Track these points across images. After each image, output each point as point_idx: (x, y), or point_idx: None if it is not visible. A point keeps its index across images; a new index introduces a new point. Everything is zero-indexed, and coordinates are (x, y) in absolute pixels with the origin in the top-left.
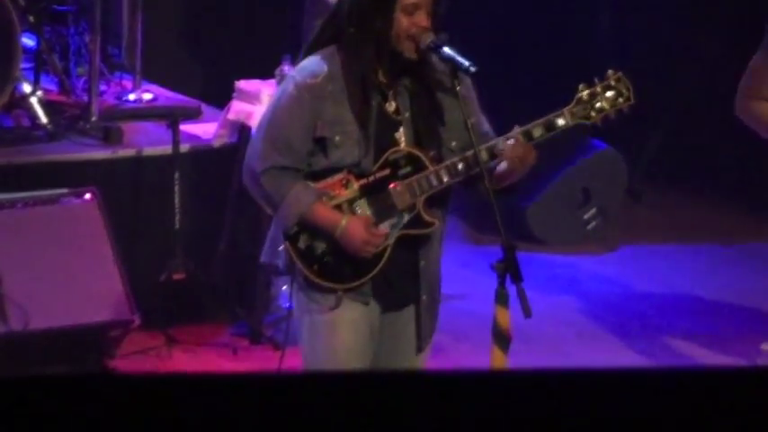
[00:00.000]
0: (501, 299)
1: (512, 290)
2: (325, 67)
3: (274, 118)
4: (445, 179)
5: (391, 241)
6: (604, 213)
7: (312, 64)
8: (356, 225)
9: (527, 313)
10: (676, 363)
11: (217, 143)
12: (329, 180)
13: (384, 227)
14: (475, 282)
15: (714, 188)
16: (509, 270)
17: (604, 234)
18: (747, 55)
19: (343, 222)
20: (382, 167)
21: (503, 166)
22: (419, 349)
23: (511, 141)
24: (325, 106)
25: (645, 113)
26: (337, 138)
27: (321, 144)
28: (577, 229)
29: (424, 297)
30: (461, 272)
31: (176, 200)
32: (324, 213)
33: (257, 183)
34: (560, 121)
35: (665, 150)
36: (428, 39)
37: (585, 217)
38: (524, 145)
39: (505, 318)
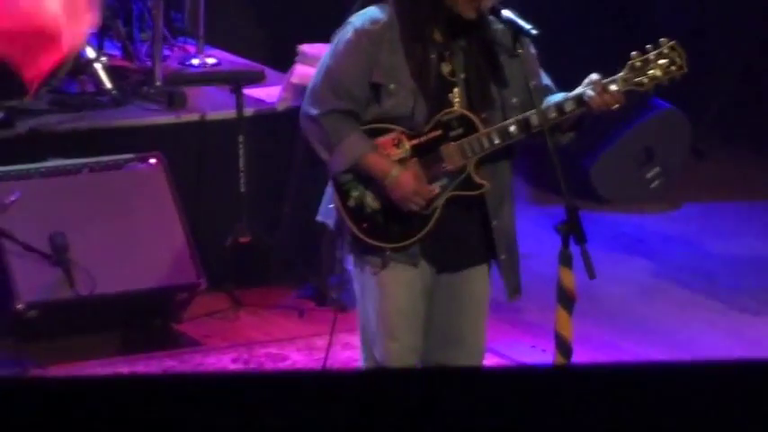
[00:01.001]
0: (565, 260)
1: (576, 251)
2: (385, 16)
3: (333, 62)
4: (496, 141)
5: (441, 202)
6: (667, 172)
7: (371, 11)
8: (407, 175)
9: (591, 275)
10: (742, 320)
11: (281, 107)
12: (381, 139)
13: (434, 187)
14: (540, 242)
15: None
16: (572, 231)
17: (668, 192)
18: None
19: (395, 172)
20: (434, 128)
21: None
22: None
23: (591, 92)
24: (381, 52)
25: (709, 69)
26: (392, 86)
27: (375, 90)
28: (641, 188)
29: (503, 256)
30: (526, 232)
31: (241, 164)
32: (377, 161)
33: (317, 124)
34: (613, 87)
35: (728, 107)
36: (489, 2)
37: (649, 176)
38: (615, 94)
39: (570, 279)
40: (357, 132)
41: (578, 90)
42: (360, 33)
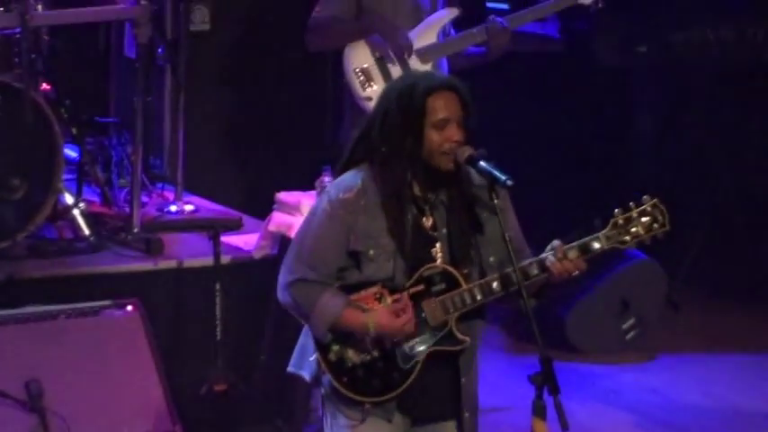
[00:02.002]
0: (538, 411)
1: (549, 401)
2: (359, 182)
3: (308, 233)
4: (479, 297)
5: (422, 358)
6: (643, 323)
7: (345, 179)
8: (384, 315)
9: (564, 426)
10: None
11: (258, 254)
12: (363, 293)
13: (416, 343)
14: (514, 392)
15: (754, 297)
16: (546, 382)
17: (643, 343)
18: None
19: (371, 320)
20: (416, 283)
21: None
22: None
23: (553, 258)
24: (358, 220)
25: (683, 222)
26: (371, 251)
27: (355, 258)
28: (616, 339)
29: (466, 414)
30: (501, 382)
31: (217, 311)
32: (353, 317)
33: (287, 293)
34: (596, 245)
35: (704, 259)
36: (465, 153)
37: (624, 327)
38: (576, 261)
39: (543, 430)
40: (328, 293)
41: (542, 255)
42: (334, 203)
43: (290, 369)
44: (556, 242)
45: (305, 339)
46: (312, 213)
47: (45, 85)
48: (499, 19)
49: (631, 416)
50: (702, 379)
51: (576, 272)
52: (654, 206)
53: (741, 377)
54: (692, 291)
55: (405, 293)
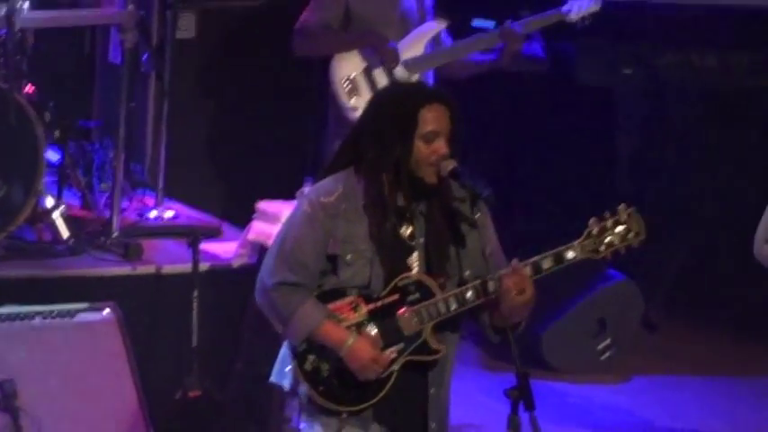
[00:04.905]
0: (513, 426)
1: (525, 417)
2: (341, 187)
3: (288, 235)
4: (453, 307)
5: (397, 367)
6: (619, 344)
7: (327, 183)
8: (363, 344)
9: None
10: None
11: (236, 263)
12: (338, 303)
13: (390, 352)
14: (489, 408)
15: (730, 320)
16: (522, 397)
17: (618, 364)
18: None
19: (350, 341)
20: (391, 293)
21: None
22: None
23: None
24: (337, 224)
25: (662, 243)
26: (349, 256)
27: (333, 262)
28: (591, 359)
29: (433, 425)
30: (475, 398)
31: (194, 318)
32: (332, 331)
33: (268, 297)
34: (570, 254)
35: (682, 281)
36: (449, 166)
37: (600, 347)
38: (519, 273)
39: None
40: (309, 302)
41: (502, 271)
42: (315, 206)
43: (271, 379)
44: (514, 261)
45: (285, 350)
46: (293, 216)
47: (29, 87)
48: (514, 24)
49: None
50: (676, 401)
51: (527, 292)
52: (629, 215)
53: (714, 401)
54: (669, 313)
55: (388, 356)
